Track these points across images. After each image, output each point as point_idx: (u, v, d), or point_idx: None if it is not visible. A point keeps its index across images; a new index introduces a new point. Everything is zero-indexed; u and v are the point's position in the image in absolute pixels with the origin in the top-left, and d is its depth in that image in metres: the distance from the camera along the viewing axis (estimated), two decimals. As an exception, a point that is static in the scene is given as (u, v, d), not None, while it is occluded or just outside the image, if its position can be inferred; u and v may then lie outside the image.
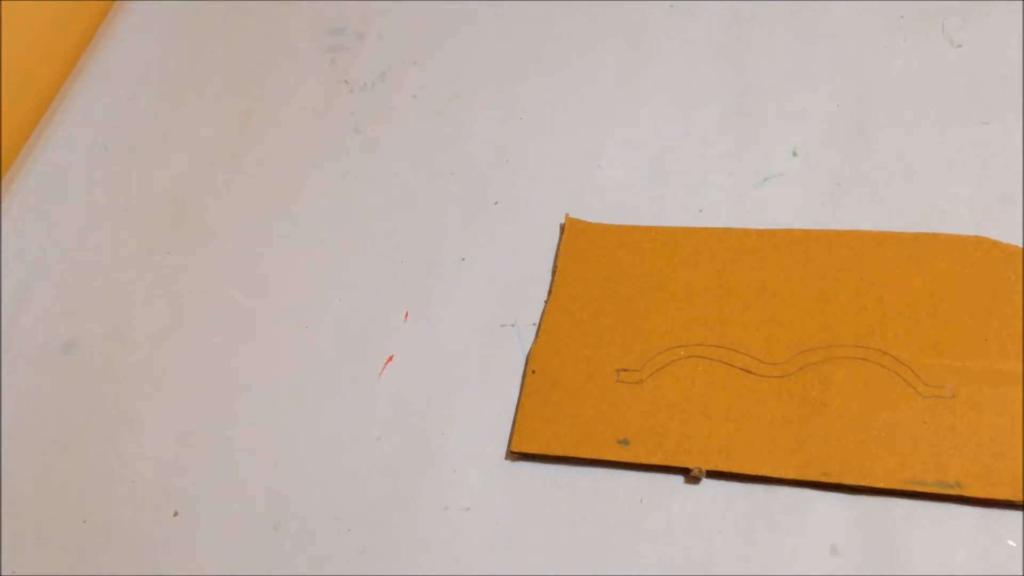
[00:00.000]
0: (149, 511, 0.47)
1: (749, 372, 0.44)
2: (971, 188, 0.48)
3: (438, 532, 0.43)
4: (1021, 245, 0.45)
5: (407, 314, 0.51)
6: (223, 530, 0.46)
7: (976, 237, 0.46)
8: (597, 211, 0.52)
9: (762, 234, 0.48)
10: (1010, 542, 0.39)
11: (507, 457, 0.45)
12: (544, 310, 0.49)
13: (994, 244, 0.45)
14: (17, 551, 0.47)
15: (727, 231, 0.49)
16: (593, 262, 0.49)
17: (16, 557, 0.47)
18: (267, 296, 0.53)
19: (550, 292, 0.49)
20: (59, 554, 0.47)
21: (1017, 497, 0.39)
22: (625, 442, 0.43)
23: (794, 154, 0.52)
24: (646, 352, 0.46)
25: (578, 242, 0.50)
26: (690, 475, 0.42)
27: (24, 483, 0.49)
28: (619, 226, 0.51)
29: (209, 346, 0.52)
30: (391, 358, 0.49)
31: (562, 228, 0.51)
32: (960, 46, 0.54)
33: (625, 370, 0.45)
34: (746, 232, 0.49)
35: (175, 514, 0.47)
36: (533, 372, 0.47)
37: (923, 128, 0.51)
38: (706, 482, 0.42)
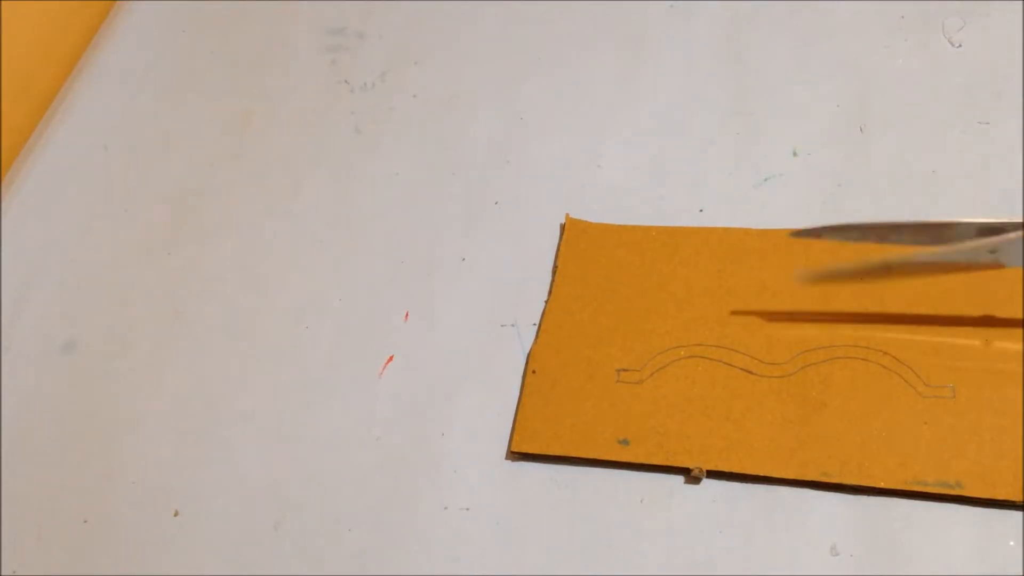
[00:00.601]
0: (149, 511, 0.47)
1: (749, 372, 0.44)
2: (971, 188, 0.48)
3: (438, 532, 0.43)
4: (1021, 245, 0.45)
5: (407, 314, 0.51)
6: (223, 530, 0.46)
7: None
8: (597, 211, 0.52)
9: (762, 234, 0.48)
10: (1011, 542, 0.39)
11: (507, 457, 0.45)
12: (544, 310, 0.49)
13: None
14: (17, 551, 0.47)
15: (727, 231, 0.49)
16: (593, 262, 0.49)
17: (16, 557, 0.47)
18: (267, 296, 0.53)
19: (550, 292, 0.49)
20: (59, 554, 0.46)
21: (1017, 497, 0.39)
22: (625, 442, 0.43)
23: (794, 154, 0.52)
24: (646, 352, 0.46)
25: (578, 242, 0.50)
26: (690, 475, 0.42)
27: (24, 483, 0.49)
28: (619, 226, 0.50)
29: (209, 346, 0.52)
30: (391, 358, 0.49)
31: (562, 228, 0.51)
32: (960, 46, 0.54)
33: (625, 370, 0.45)
34: (746, 232, 0.49)
35: (175, 514, 0.47)
36: (533, 372, 0.47)
37: (923, 128, 0.51)
38: (706, 482, 0.42)
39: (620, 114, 0.56)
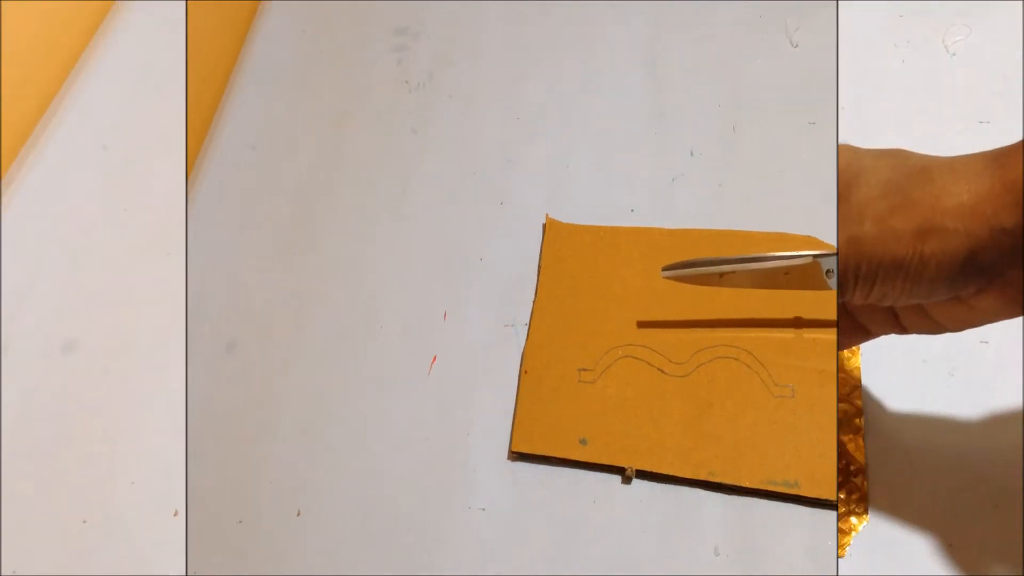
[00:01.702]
0: (149, 511, 0.47)
1: (663, 372, 0.45)
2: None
3: (459, 531, 0.45)
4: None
5: (445, 314, 0.51)
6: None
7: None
8: (571, 212, 0.53)
9: (672, 233, 0.50)
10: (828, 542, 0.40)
11: (509, 457, 0.45)
12: (532, 311, 0.49)
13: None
14: (17, 551, 0.47)
15: (652, 231, 0.51)
16: (567, 262, 0.51)
17: (16, 557, 0.47)
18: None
19: (535, 293, 0.49)
20: (59, 554, 0.47)
21: (832, 496, 0.40)
22: (584, 442, 0.44)
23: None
24: (597, 351, 0.47)
25: (556, 242, 0.51)
26: (624, 475, 0.43)
27: (24, 483, 0.49)
28: (585, 226, 0.52)
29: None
30: (435, 359, 0.49)
31: (544, 228, 0.52)
32: (959, 46, 0.54)
33: (584, 370, 0.46)
34: (667, 232, 0.50)
35: (175, 514, 0.47)
36: (525, 372, 0.47)
37: (923, 128, 0.51)
38: (636, 482, 0.44)
39: (582, 116, 0.57)
